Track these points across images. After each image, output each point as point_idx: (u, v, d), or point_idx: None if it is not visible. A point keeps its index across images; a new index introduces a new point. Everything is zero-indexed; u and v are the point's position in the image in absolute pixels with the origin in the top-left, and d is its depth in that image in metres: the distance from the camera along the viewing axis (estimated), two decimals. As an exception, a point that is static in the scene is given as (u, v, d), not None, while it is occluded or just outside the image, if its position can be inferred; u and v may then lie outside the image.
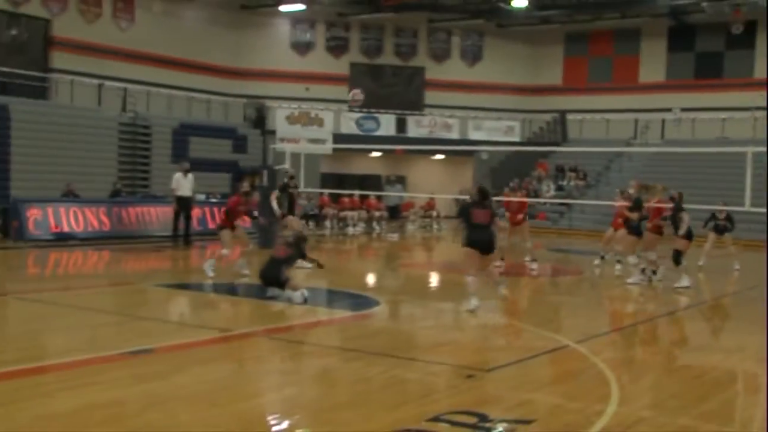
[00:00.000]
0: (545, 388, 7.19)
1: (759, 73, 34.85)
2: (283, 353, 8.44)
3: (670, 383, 7.52)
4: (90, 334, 8.80)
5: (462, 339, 9.60)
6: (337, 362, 8.01)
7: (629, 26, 38.47)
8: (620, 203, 16.92)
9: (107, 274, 14.98)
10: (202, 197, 21.19)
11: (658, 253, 15.02)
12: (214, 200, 24.05)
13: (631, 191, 16.38)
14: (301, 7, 36.34)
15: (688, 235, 14.35)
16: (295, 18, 38.16)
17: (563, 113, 37.77)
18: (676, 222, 14.51)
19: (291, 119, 34.94)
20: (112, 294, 12.19)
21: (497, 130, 37.33)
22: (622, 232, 16.24)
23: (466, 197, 13.46)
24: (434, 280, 16.10)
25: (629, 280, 14.99)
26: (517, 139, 37.41)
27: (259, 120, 35.29)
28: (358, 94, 15.63)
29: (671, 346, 9.72)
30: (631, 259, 15.44)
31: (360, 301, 11.80)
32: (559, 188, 33.14)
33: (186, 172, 19.74)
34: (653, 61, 38.36)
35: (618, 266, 16.45)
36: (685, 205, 15.25)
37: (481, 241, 11.04)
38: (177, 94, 32.58)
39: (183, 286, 12.98)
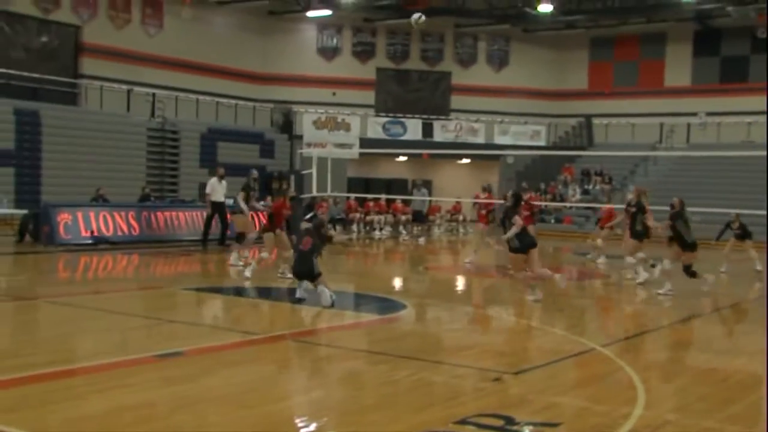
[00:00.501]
0: (571, 391, 7.16)
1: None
2: (311, 356, 8.47)
3: (695, 386, 7.48)
4: (120, 337, 8.87)
5: (488, 342, 9.59)
6: (364, 365, 8.03)
7: (654, 30, 38.24)
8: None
9: (137, 277, 15.10)
10: (229, 202, 21.35)
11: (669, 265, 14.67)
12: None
13: (630, 196, 16.34)
14: (327, 12, 36.49)
15: (692, 246, 13.57)
16: (321, 23, 38.32)
17: (589, 117, 37.61)
18: (676, 232, 13.71)
19: (318, 124, 35.07)
20: (141, 297, 12.29)
21: (523, 135, 37.27)
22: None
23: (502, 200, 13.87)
24: (460, 283, 16.08)
25: (638, 280, 15.02)
26: (542, 143, 37.32)
27: (287, 125, 35.47)
28: (421, 16, 15.70)
29: (696, 349, 9.66)
30: (629, 260, 15.60)
31: (387, 305, 11.80)
32: (585, 192, 33.00)
33: (221, 177, 20.01)
34: (678, 65, 38.12)
35: (644, 273, 16.24)
36: (709, 210, 15.06)
37: (526, 242, 12.08)
38: (205, 99, 32.84)
39: (212, 290, 13.05)
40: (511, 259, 12.64)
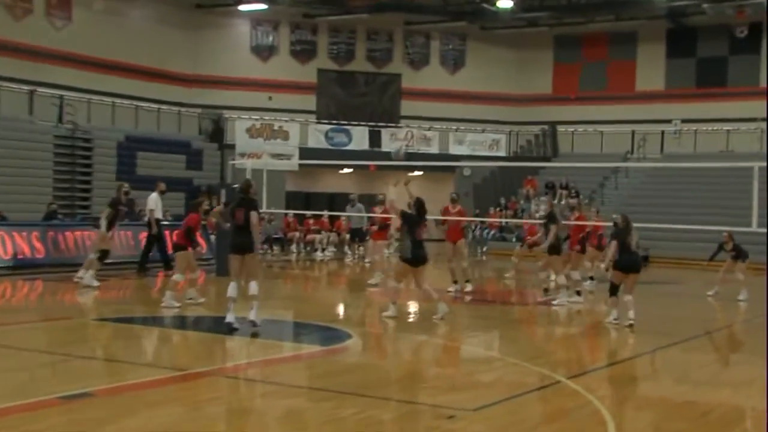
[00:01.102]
0: (536, 429, 7.18)
1: (766, 81, 35.34)
2: (243, 394, 8.38)
3: (672, 422, 7.55)
4: (20, 376, 8.65)
5: (443, 375, 9.60)
6: (305, 403, 7.97)
7: (624, 29, 38.96)
8: (595, 223, 18.73)
9: (41, 307, 14.80)
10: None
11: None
12: (165, 222, 23.91)
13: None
14: (262, 6, 36.45)
15: (623, 267, 13.50)
16: (256, 19, 38.27)
17: (553, 125, 38.09)
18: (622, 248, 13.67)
19: (252, 132, 34.94)
20: (46, 330, 12.02)
21: (481, 144, 37.59)
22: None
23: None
24: (413, 309, 16.09)
25: (554, 302, 15.74)
26: (502, 153, 37.68)
27: (216, 133, 35.25)
28: (401, 150, 17.07)
29: (673, 380, 9.77)
30: (560, 280, 16.28)
31: (330, 334, 11.79)
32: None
33: (162, 193, 20.03)
34: (651, 67, 38.87)
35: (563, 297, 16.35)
36: (685, 226, 15.31)
37: (419, 256, 12.99)
38: (122, 103, 32.48)
39: (130, 320, 12.86)
40: (396, 267, 13.42)
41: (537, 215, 32.29)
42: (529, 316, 15.61)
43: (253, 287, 11.57)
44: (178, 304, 13.68)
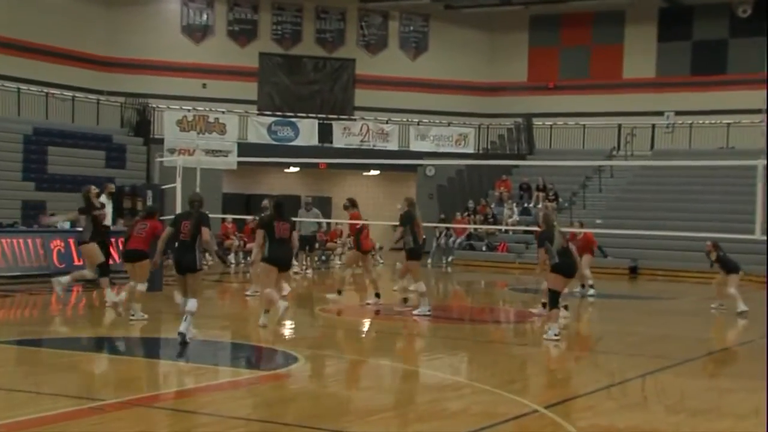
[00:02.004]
0: (510, 465, 7.20)
1: (769, 67, 35.64)
2: (173, 427, 8.31)
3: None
4: None
5: (402, 403, 9.61)
6: (243, 437, 7.93)
7: (610, 8, 39.20)
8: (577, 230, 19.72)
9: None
10: (66, 225, 20.95)
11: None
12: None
13: (399, 206, 17.78)
14: (195, -21, 36.29)
15: (562, 269, 13.88)
16: (187, -6, 38.11)
17: (528, 118, 38.25)
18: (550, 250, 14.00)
19: (183, 124, 34.74)
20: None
21: (446, 139, 37.67)
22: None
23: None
24: (367, 329, 16.09)
25: (415, 312, 16.45)
26: (470, 150, 37.80)
27: (142, 125, 34.98)
28: None
29: (666, 409, 9.84)
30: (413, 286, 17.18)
31: (273, 357, 11.79)
32: (525, 212, 33.51)
33: (111, 195, 19.99)
34: (640, 52, 39.16)
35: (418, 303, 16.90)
36: (675, 233, 15.49)
37: (283, 257, 14.00)
38: (29, 90, 32.08)
39: (40, 342, 12.73)
40: (263, 269, 14.31)
41: (509, 221, 32.54)
42: (502, 336, 15.72)
43: (192, 304, 12.17)
44: (146, 316, 14.49)
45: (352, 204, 19.06)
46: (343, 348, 13.44)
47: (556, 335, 13.67)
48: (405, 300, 17.70)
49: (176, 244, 12.59)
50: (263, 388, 10.13)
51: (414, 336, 15.10)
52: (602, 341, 15.40)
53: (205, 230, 12.43)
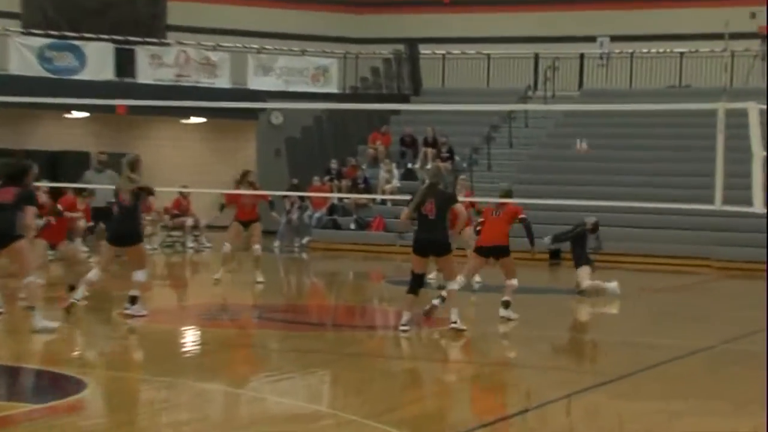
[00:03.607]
0: None
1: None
2: None
3: None
4: None
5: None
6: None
7: None
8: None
9: None
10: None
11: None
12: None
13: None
14: None
15: (421, 247, 15.01)
16: None
17: (414, 45, 38.21)
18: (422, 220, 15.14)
19: None
20: None
21: (299, 75, 37.55)
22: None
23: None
24: (189, 340, 16.00)
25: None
26: (334, 90, 37.80)
27: None
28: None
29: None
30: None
31: (52, 383, 11.68)
32: (408, 175, 33.52)
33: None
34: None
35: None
36: (609, 202, 15.73)
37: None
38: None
39: None
40: (102, 246, 15.55)
41: (387, 187, 32.49)
42: (378, 347, 15.70)
43: None
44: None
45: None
46: (151, 367, 13.19)
47: (403, 325, 14.57)
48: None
49: None
50: (39, 425, 9.87)
51: (254, 349, 15.05)
52: (511, 350, 15.53)
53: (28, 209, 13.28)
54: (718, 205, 15.74)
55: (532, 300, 20.72)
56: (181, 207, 32.03)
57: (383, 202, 32.53)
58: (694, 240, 27.23)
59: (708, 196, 16.37)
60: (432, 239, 14.91)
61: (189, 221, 31.74)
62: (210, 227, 30.49)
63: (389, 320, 18.09)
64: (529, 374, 13.13)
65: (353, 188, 32.63)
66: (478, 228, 17.84)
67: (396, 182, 33.01)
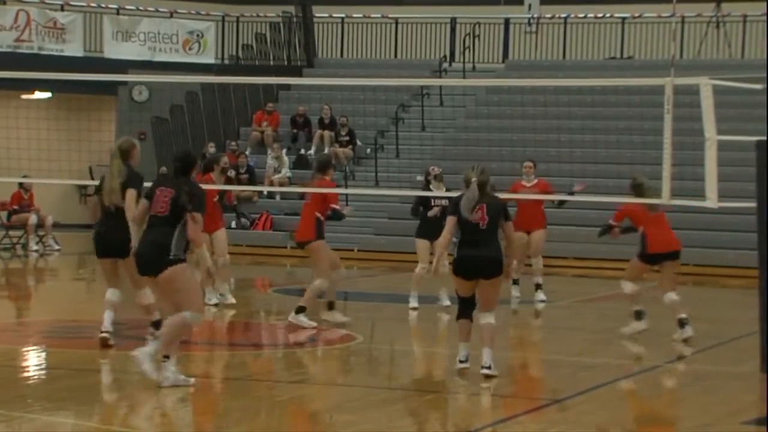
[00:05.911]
0: None
1: None
2: None
3: None
4: None
5: None
6: None
7: None
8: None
9: None
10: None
11: None
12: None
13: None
14: None
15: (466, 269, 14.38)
16: None
17: (306, 6, 38.16)
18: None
19: None
20: None
21: (167, 41, 37.37)
22: None
23: None
24: (31, 364, 15.82)
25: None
26: (210, 60, 37.89)
27: None
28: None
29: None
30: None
31: None
32: (301, 162, 33.50)
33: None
34: None
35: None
36: (529, 196, 15.93)
37: None
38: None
39: None
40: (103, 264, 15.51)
41: (276, 178, 32.36)
42: (264, 370, 15.75)
43: None
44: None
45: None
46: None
47: (462, 361, 14.06)
48: None
49: None
50: None
51: (114, 374, 14.86)
52: (424, 370, 15.43)
53: None
54: (666, 200, 15.78)
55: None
56: (21, 201, 31.73)
57: (271, 195, 32.40)
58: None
59: (657, 190, 16.40)
60: (483, 256, 13.99)
61: (32, 218, 31.43)
62: (57, 225, 30.24)
63: (277, 337, 18.04)
64: (452, 401, 13.04)
65: (236, 178, 32.39)
66: None
67: (286, 171, 32.96)
